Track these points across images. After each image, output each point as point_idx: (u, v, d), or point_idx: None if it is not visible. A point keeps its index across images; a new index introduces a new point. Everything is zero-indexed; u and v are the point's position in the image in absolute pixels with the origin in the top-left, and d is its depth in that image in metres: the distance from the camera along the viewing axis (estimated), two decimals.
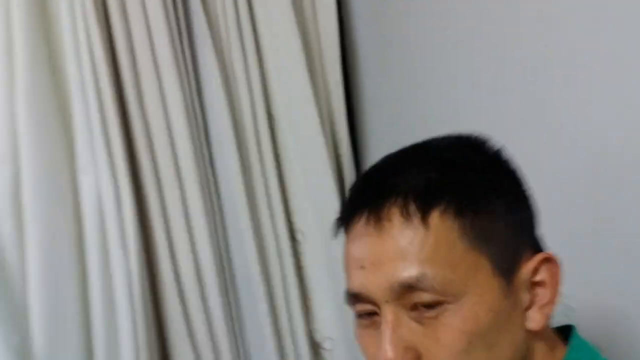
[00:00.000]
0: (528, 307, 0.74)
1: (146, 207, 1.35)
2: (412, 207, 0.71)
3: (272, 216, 1.47)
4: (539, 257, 0.75)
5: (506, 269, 0.73)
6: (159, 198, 1.36)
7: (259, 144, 1.47)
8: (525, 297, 0.74)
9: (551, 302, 0.74)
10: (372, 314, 0.74)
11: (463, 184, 0.73)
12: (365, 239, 0.73)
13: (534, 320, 0.74)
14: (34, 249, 1.25)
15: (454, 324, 0.70)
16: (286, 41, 1.48)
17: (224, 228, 1.45)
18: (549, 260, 0.75)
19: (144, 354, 1.30)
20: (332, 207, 1.44)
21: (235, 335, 1.46)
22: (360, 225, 0.74)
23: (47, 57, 1.26)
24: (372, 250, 0.72)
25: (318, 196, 1.49)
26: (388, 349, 0.70)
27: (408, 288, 0.70)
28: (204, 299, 1.40)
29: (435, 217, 0.71)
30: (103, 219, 1.30)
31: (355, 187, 0.79)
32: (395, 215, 0.71)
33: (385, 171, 0.77)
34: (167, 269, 1.36)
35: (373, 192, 0.74)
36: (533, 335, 0.75)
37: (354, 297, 0.75)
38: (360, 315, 0.76)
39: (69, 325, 1.29)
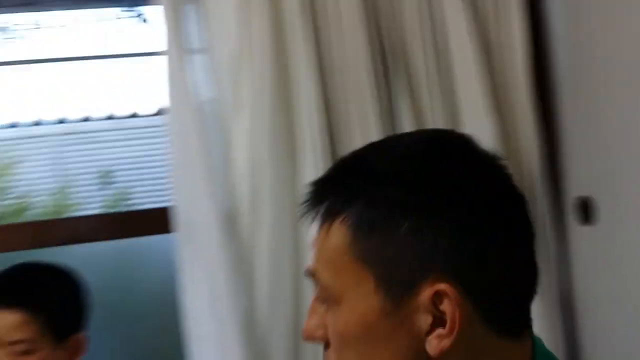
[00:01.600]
0: (429, 332, 0.74)
1: None
2: (328, 210, 0.78)
3: None
4: (436, 287, 0.73)
5: (394, 290, 0.74)
6: None
7: None
8: (423, 321, 0.74)
9: (449, 333, 0.73)
10: None
11: (373, 199, 0.75)
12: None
13: (431, 346, 0.74)
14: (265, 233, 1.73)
15: (331, 323, 0.77)
16: (471, 83, 1.79)
17: None
18: (446, 293, 0.73)
19: None
20: None
21: None
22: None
23: (282, 99, 1.77)
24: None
25: None
26: (307, 319, 0.80)
27: (313, 277, 0.79)
28: None
29: (337, 223, 0.76)
30: None
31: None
32: (320, 214, 0.79)
33: (327, 176, 0.82)
34: None
35: (315, 192, 0.80)
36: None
37: None
38: None
39: (284, 299, 1.73)
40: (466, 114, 1.81)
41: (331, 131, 1.78)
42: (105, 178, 4.87)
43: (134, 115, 4.96)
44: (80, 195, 4.85)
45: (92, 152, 4.97)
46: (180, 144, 1.77)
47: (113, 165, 4.90)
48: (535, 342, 0.81)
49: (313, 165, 1.74)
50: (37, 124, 5.40)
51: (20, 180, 5.00)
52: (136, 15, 4.52)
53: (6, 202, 4.97)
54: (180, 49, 1.75)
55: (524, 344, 0.79)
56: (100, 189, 4.83)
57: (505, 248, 0.76)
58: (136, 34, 4.62)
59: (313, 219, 0.79)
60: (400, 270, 0.74)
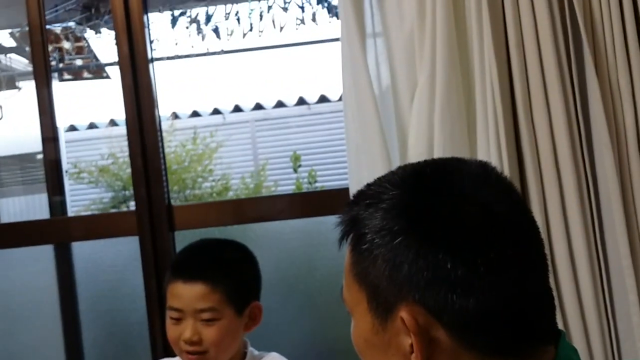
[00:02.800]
0: (411, 352, 0.77)
1: (528, 196, 1.68)
2: (342, 232, 0.83)
3: None
4: (400, 315, 0.77)
5: (379, 311, 0.79)
6: (540, 191, 1.67)
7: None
8: (405, 342, 0.77)
9: (416, 357, 0.77)
10: None
11: (364, 222, 0.80)
12: None
13: None
14: None
15: (351, 335, 0.85)
16: None
17: (600, 223, 1.67)
18: (404, 321, 0.77)
19: None
20: None
21: (607, 318, 1.65)
22: None
23: (459, 79, 1.72)
24: None
25: None
26: None
27: (341, 293, 0.86)
28: (575, 282, 1.65)
29: (346, 244, 0.83)
30: None
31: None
32: (340, 236, 0.84)
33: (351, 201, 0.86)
34: None
35: (339, 217, 0.85)
36: None
37: None
38: None
39: None
40: None
41: (514, 111, 1.70)
42: (296, 160, 5.08)
43: (323, 99, 5.12)
44: (273, 177, 5.10)
45: (284, 136, 5.21)
46: (356, 127, 1.78)
47: (303, 148, 5.10)
48: (559, 357, 0.80)
49: (494, 147, 1.66)
50: (237, 110, 5.75)
51: (222, 163, 5.34)
52: (325, 3, 4.63)
53: (211, 184, 5.33)
54: (356, 33, 1.76)
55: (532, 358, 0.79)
56: (291, 171, 5.06)
57: (483, 275, 0.75)
58: (325, 22, 4.73)
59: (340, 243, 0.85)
60: (381, 294, 0.79)
